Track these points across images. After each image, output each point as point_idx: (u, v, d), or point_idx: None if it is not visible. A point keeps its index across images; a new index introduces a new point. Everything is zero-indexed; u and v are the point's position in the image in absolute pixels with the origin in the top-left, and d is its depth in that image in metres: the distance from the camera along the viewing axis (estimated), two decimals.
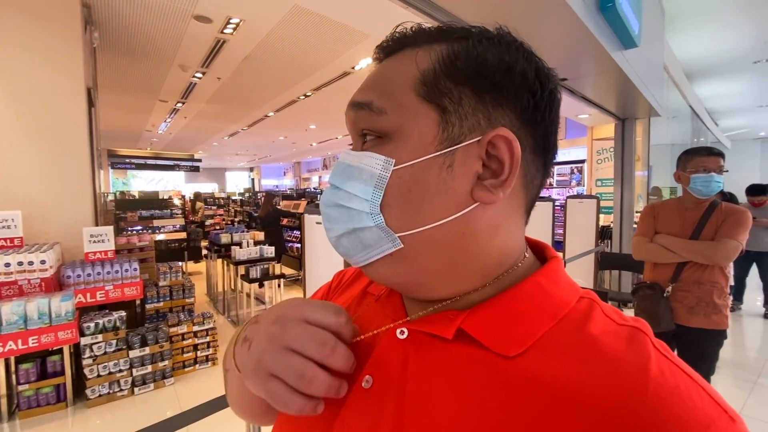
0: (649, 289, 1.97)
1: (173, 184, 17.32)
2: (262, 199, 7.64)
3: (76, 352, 2.72)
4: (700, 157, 1.86)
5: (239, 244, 4.57)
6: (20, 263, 2.59)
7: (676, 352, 1.97)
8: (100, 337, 2.73)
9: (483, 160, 0.33)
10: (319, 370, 0.32)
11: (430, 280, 0.35)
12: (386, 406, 0.33)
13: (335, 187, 0.36)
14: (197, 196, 9.89)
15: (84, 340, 2.67)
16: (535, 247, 0.41)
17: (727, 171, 1.85)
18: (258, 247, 4.53)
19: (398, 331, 0.36)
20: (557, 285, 0.35)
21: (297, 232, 6.57)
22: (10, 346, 2.39)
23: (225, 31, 4.14)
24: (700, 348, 1.88)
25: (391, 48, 0.38)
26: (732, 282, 1.96)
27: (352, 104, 0.36)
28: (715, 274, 1.85)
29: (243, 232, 5.23)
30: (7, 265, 2.56)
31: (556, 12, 2.02)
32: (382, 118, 0.34)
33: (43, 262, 2.65)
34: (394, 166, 0.33)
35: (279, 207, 7.07)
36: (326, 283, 0.56)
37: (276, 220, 6.24)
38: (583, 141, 7.94)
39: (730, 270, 1.92)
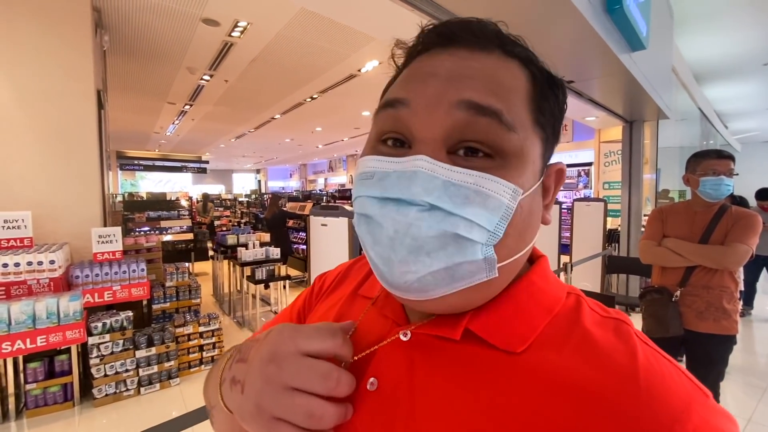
0: (657, 293, 1.95)
1: (180, 186, 17.46)
2: (268, 200, 7.67)
3: (84, 351, 2.74)
4: (709, 160, 1.83)
5: (245, 246, 4.60)
6: (30, 263, 2.62)
7: (684, 358, 1.95)
8: (107, 337, 2.75)
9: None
10: (327, 404, 0.31)
11: (485, 300, 0.34)
12: (396, 407, 0.32)
13: (437, 209, 0.29)
14: (206, 197, 9.78)
15: (91, 340, 2.69)
16: None
17: (737, 174, 1.83)
18: (264, 248, 4.55)
19: (401, 333, 0.36)
20: (547, 282, 0.36)
21: (303, 234, 6.60)
22: (19, 345, 2.42)
23: (233, 34, 4.18)
24: (710, 353, 1.85)
25: (470, 40, 0.33)
26: (742, 287, 1.93)
27: (468, 104, 0.30)
28: (725, 279, 1.83)
29: (249, 233, 5.26)
30: (17, 264, 2.59)
31: (563, 14, 2.01)
32: (510, 137, 0.30)
33: (52, 262, 2.68)
34: (522, 195, 0.31)
35: (285, 209, 7.11)
36: (306, 288, 0.54)
37: (282, 222, 6.27)
38: (590, 143, 7.89)
39: (740, 275, 1.89)
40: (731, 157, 1.85)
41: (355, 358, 0.36)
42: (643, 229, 4.77)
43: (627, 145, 4.86)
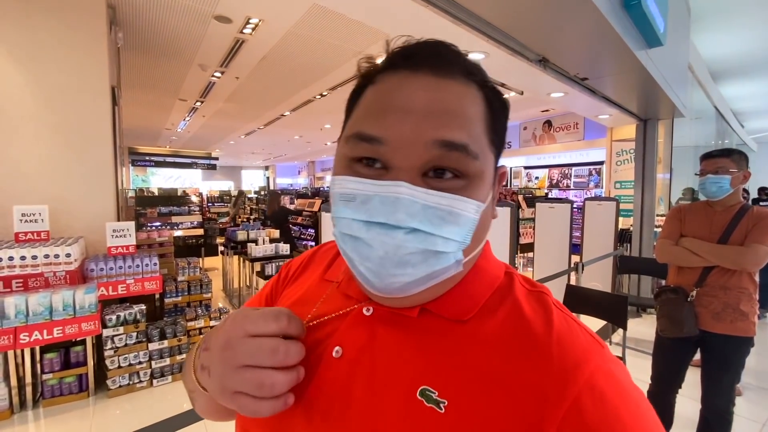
0: (672, 293, 1.92)
1: (190, 182, 17.62)
2: (268, 197, 7.75)
3: (98, 343, 2.79)
4: (702, 162, 1.91)
5: (255, 241, 4.63)
6: (47, 256, 2.67)
7: (699, 358, 1.92)
8: (121, 329, 2.80)
9: None
10: (275, 373, 0.35)
11: (446, 288, 0.40)
12: (359, 368, 0.38)
13: (418, 232, 0.34)
14: (241, 194, 9.62)
15: (106, 332, 2.74)
16: None
17: (735, 171, 1.81)
18: (273, 244, 4.58)
19: (364, 309, 0.42)
20: (489, 263, 0.44)
21: (312, 231, 6.62)
22: (36, 336, 2.47)
23: (244, 31, 4.19)
24: (725, 355, 1.83)
25: (437, 64, 0.36)
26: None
27: (443, 143, 0.34)
28: (743, 280, 1.80)
29: (259, 229, 5.29)
30: (34, 257, 2.64)
31: (580, 9, 1.99)
32: (475, 164, 0.36)
33: (68, 255, 2.73)
34: (482, 208, 0.37)
35: (284, 205, 7.19)
36: (274, 276, 0.60)
37: (284, 218, 6.32)
38: (602, 142, 7.79)
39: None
40: (723, 155, 1.85)
41: (313, 323, 0.43)
42: (656, 229, 4.70)
43: (641, 143, 4.78)
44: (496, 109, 0.39)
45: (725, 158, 1.84)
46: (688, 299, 1.87)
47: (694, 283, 1.87)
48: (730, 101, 8.30)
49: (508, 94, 6.93)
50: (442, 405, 0.34)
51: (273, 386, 0.35)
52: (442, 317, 0.39)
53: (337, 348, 0.40)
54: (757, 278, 1.83)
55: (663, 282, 2.14)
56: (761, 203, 5.75)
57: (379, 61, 0.41)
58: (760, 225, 1.74)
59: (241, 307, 0.62)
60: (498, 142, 0.39)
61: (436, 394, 0.35)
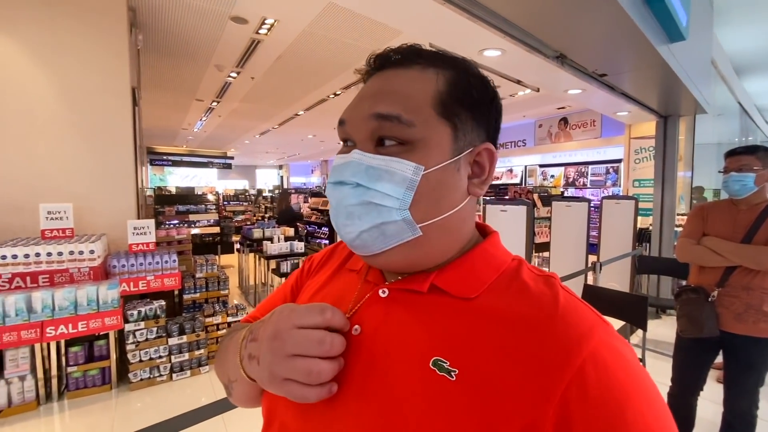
0: (693, 293, 1.88)
1: (206, 181, 17.89)
2: (278, 197, 7.93)
3: (121, 337, 2.87)
4: (726, 159, 1.87)
5: (270, 240, 4.69)
6: (71, 252, 2.76)
7: (721, 360, 1.87)
8: (142, 324, 2.87)
9: (470, 164, 0.45)
10: (322, 362, 0.39)
11: (429, 258, 0.44)
12: (375, 343, 0.42)
13: (360, 186, 0.41)
14: (260, 193, 10.03)
15: (127, 327, 2.81)
16: (478, 226, 0.52)
17: (759, 169, 1.76)
18: (288, 242, 4.63)
19: (380, 291, 0.46)
20: (497, 249, 0.47)
21: (325, 229, 6.67)
22: (62, 329, 2.56)
23: (260, 31, 4.24)
24: (748, 357, 1.78)
25: (397, 61, 0.44)
26: None
27: (376, 115, 0.41)
28: (767, 281, 1.74)
29: (274, 227, 5.36)
30: (60, 254, 2.74)
31: (599, 4, 1.95)
32: (411, 130, 0.41)
33: (92, 251, 2.81)
34: (424, 171, 0.41)
35: (291, 206, 7.39)
36: (297, 269, 0.65)
37: (290, 218, 6.42)
38: (620, 140, 7.63)
39: None
40: (747, 152, 1.80)
41: (347, 315, 0.45)
42: (676, 229, 4.59)
43: (661, 141, 4.67)
44: (455, 88, 0.43)
45: (750, 155, 1.79)
46: (709, 299, 1.82)
47: (716, 283, 1.83)
48: (754, 97, 8.04)
49: (523, 92, 6.81)
50: (453, 373, 0.37)
51: (320, 373, 0.38)
52: (450, 295, 0.42)
53: (356, 327, 0.44)
54: None
55: (684, 282, 2.09)
56: None
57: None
58: None
59: (267, 297, 0.66)
60: (459, 116, 0.43)
61: (448, 363, 0.38)
